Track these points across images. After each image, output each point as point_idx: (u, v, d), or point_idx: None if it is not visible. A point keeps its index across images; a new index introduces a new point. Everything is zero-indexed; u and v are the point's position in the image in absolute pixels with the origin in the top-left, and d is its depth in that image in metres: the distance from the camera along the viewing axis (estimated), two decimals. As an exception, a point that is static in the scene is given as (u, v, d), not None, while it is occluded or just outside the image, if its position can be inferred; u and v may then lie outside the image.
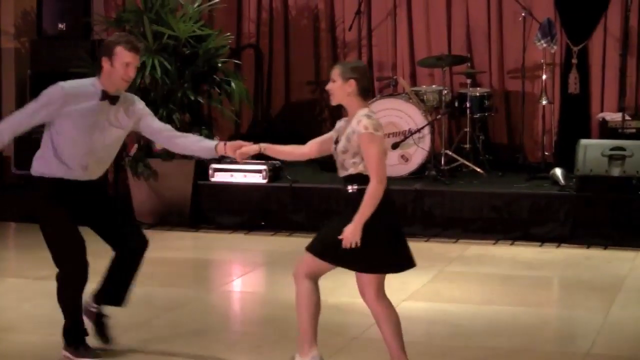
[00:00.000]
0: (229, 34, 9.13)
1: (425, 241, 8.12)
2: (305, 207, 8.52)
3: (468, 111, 9.09)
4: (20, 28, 10.03)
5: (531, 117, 9.58)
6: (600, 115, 9.30)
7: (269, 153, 4.99)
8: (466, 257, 7.70)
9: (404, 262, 4.62)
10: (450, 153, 9.03)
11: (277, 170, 8.83)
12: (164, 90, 8.65)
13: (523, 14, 9.15)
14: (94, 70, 5.23)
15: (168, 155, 8.54)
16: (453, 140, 9.44)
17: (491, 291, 6.71)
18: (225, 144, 5.06)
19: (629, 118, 8.93)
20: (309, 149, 4.90)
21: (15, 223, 8.83)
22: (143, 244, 5.17)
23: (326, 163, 8.33)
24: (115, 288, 5.22)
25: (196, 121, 8.86)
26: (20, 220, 8.71)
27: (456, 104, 9.24)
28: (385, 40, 10.10)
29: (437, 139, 9.16)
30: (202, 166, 8.79)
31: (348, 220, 4.50)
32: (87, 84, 5.08)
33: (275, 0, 10.36)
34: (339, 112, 9.28)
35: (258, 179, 8.75)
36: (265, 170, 8.72)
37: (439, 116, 9.09)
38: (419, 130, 8.80)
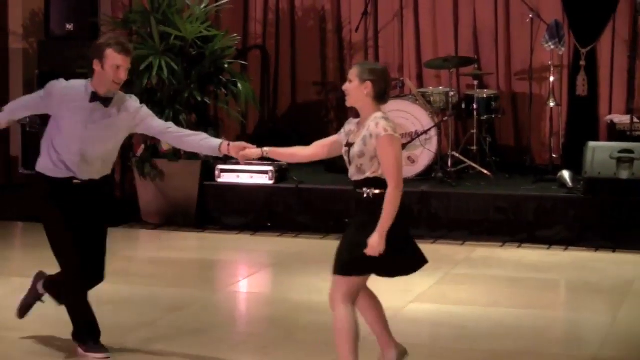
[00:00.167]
0: (235, 34, 9.13)
1: (432, 243, 8.10)
2: (311, 208, 8.51)
3: (475, 113, 9.07)
4: (28, 29, 10.04)
5: (538, 119, 9.56)
6: (609, 117, 9.28)
7: (272, 156, 4.95)
8: (473, 259, 7.68)
9: (418, 263, 4.62)
10: (457, 155, 9.01)
11: (283, 171, 8.83)
12: (170, 91, 8.65)
13: (531, 16, 9.13)
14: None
15: (174, 155, 8.56)
16: (460, 142, 9.42)
17: (497, 293, 6.69)
18: (228, 144, 5.05)
19: (638, 120, 8.90)
20: (314, 151, 4.84)
21: (22, 223, 8.84)
22: (97, 280, 5.19)
23: (332, 164, 8.34)
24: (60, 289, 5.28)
25: (202, 122, 8.86)
26: (26, 220, 8.72)
27: (463, 106, 9.23)
28: (392, 42, 10.09)
29: (444, 140, 9.14)
30: (208, 167, 8.79)
31: (365, 228, 4.45)
32: (80, 85, 5.11)
33: (281, 1, 10.35)
34: (345, 113, 9.28)
35: (264, 180, 8.75)
36: (271, 171, 8.72)
37: (445, 118, 9.08)
38: (425, 132, 8.79)
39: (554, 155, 9.23)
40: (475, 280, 7.04)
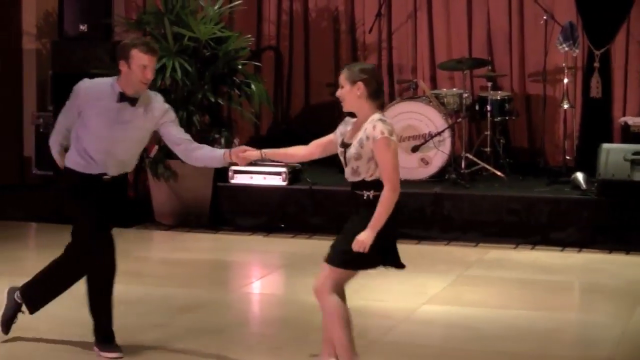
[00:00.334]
0: (249, 35, 9.14)
1: (445, 245, 8.09)
2: (324, 210, 8.52)
3: (489, 114, 9.06)
4: (42, 29, 10.08)
5: (552, 121, 9.53)
6: (623, 119, 9.24)
7: (271, 157, 4.96)
8: (486, 261, 7.67)
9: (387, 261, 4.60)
10: (470, 156, 9.00)
11: (296, 172, 8.83)
12: (184, 92, 8.66)
13: (545, 17, 9.11)
14: (113, 71, 5.26)
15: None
16: (473, 143, 9.41)
17: (510, 295, 6.68)
18: (230, 151, 5.07)
19: (651, 122, 8.88)
20: (310, 151, 4.85)
21: (36, 223, 8.87)
22: (114, 271, 5.18)
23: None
24: (44, 293, 5.23)
25: (216, 123, 8.88)
26: (41, 221, 8.75)
27: (477, 107, 9.21)
28: (406, 43, 10.08)
29: (458, 142, 9.13)
30: (221, 168, 8.79)
31: (363, 225, 4.45)
32: (106, 84, 5.12)
33: (295, 2, 10.36)
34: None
35: (277, 181, 8.76)
36: (284, 172, 8.72)
37: (459, 119, 9.06)
38: (439, 134, 8.78)
39: (568, 157, 9.21)
40: (488, 282, 7.03)
